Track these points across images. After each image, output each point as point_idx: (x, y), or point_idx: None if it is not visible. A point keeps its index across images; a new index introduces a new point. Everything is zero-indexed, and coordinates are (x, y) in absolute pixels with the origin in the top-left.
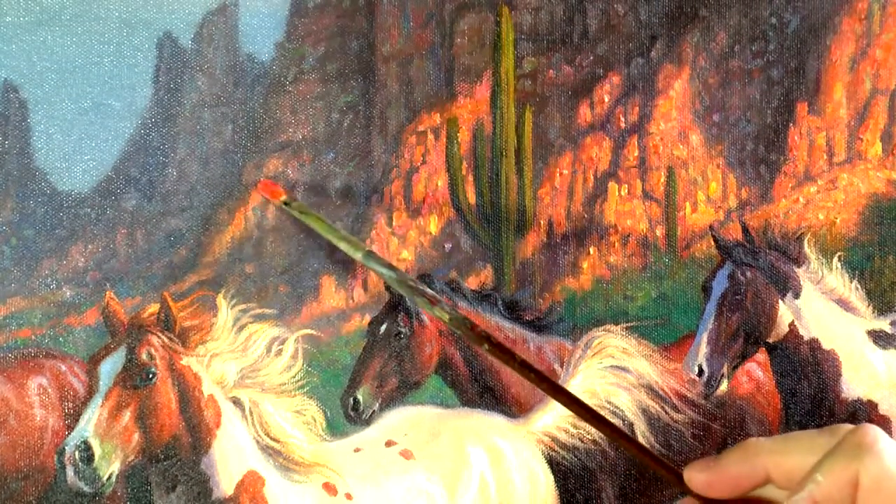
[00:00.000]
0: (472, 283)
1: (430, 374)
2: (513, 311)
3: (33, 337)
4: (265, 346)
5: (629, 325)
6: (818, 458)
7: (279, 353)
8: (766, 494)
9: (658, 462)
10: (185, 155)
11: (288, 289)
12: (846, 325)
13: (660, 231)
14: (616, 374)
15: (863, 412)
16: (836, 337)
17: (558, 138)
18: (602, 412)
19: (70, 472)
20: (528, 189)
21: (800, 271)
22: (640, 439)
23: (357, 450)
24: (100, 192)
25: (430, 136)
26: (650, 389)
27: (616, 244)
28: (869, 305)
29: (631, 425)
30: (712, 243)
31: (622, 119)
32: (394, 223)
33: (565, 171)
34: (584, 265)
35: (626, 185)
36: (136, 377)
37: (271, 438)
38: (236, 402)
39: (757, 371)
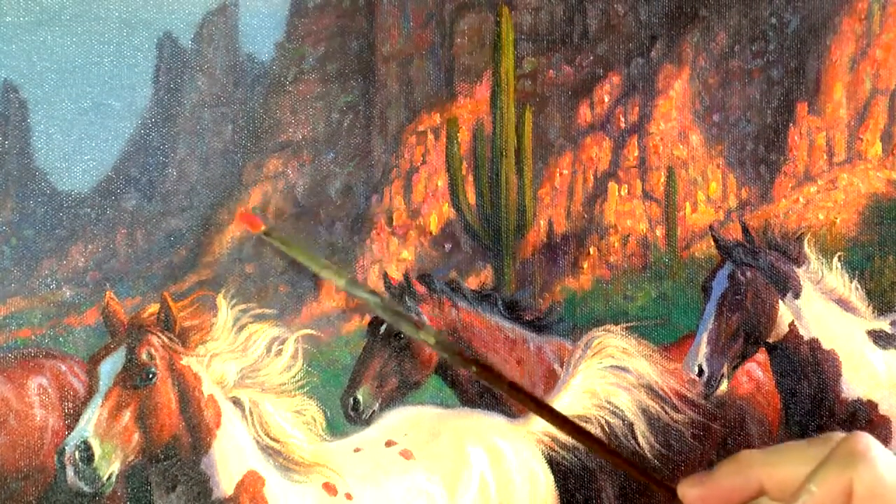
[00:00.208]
0: (472, 283)
1: (430, 374)
2: (513, 311)
3: (33, 337)
4: (265, 346)
5: (629, 325)
6: (811, 469)
7: (279, 353)
8: None
9: (652, 479)
10: (185, 155)
11: (288, 289)
12: (846, 325)
13: (660, 231)
14: (616, 374)
15: (863, 412)
16: (836, 337)
17: (558, 138)
18: (602, 412)
19: (70, 472)
20: (528, 189)
21: (800, 271)
22: (640, 439)
23: (357, 450)
24: (100, 192)
25: (430, 136)
26: (650, 389)
27: (616, 244)
28: (869, 305)
29: (631, 425)
30: (712, 243)
31: (622, 119)
32: (394, 223)
33: (565, 171)
34: (584, 265)
35: (626, 185)
36: (136, 377)
37: (271, 438)
38: (236, 402)
39: (757, 371)
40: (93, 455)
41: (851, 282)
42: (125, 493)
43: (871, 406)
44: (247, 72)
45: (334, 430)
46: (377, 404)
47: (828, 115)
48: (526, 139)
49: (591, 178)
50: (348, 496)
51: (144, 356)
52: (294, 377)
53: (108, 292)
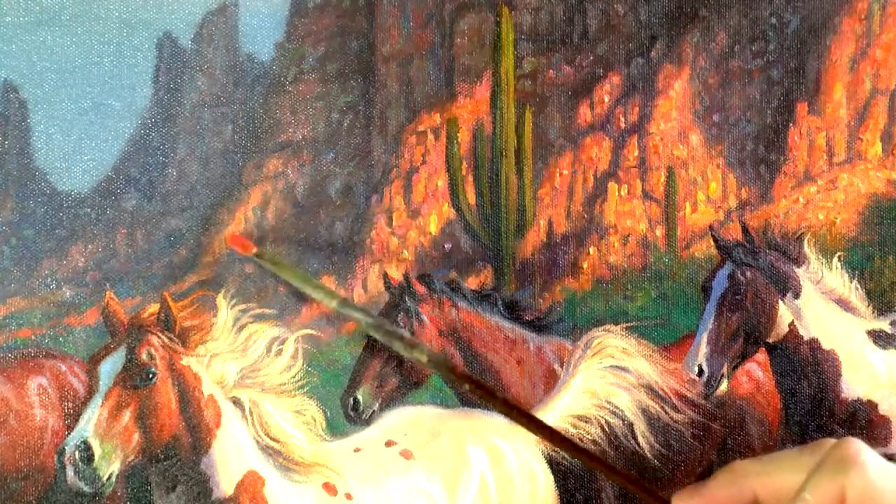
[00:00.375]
0: (472, 283)
1: (430, 375)
2: (513, 311)
3: (33, 337)
4: (265, 346)
5: (629, 325)
6: (804, 476)
7: (279, 353)
8: None
9: (647, 491)
10: (185, 155)
11: (288, 289)
12: (846, 325)
13: (660, 231)
14: (616, 374)
15: (863, 412)
16: (835, 337)
17: (558, 138)
18: (602, 412)
19: (70, 472)
20: (528, 189)
21: (800, 271)
22: (640, 439)
23: (357, 450)
24: (100, 192)
25: (430, 136)
26: (650, 389)
27: (616, 244)
28: (869, 305)
29: (631, 425)
30: (712, 243)
31: (622, 119)
32: (394, 223)
33: (565, 171)
34: (584, 265)
35: (626, 185)
36: (136, 377)
37: (271, 438)
38: (236, 402)
39: (757, 371)
40: (93, 455)
41: (851, 282)
42: (125, 493)
43: (871, 406)
44: (247, 72)
45: (334, 430)
46: (377, 404)
47: (828, 115)
48: (526, 139)
49: (591, 178)
50: (348, 496)
51: (144, 356)
52: (294, 377)
53: (108, 292)
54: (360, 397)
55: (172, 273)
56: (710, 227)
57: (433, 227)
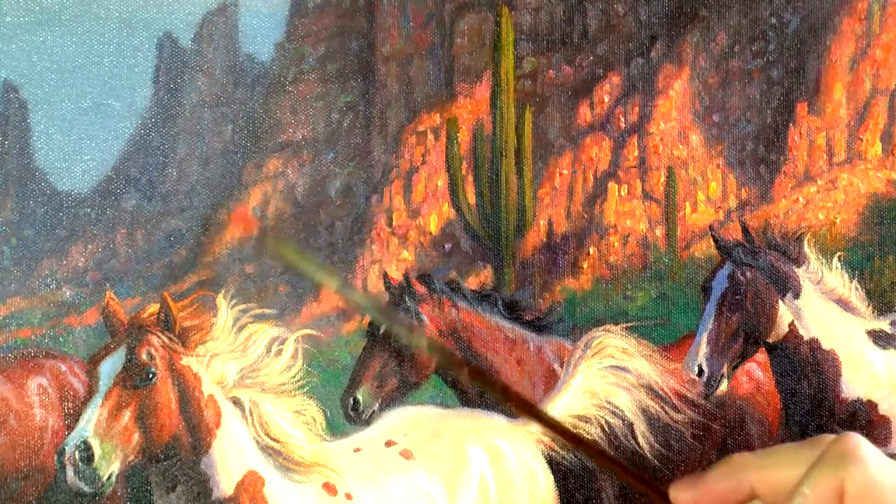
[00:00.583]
0: (472, 283)
1: (430, 374)
2: (513, 311)
3: (33, 337)
4: (265, 346)
5: (629, 325)
6: (803, 471)
7: (279, 353)
8: None
9: (644, 482)
10: (185, 155)
11: (288, 289)
12: (846, 325)
13: (660, 231)
14: (616, 374)
15: (863, 412)
16: (835, 337)
17: (558, 138)
18: (602, 412)
19: (70, 472)
20: (528, 189)
21: (800, 271)
22: (640, 439)
23: (357, 450)
24: (100, 192)
25: (430, 136)
26: (650, 389)
27: (616, 244)
28: (869, 305)
29: (631, 425)
30: (712, 243)
31: (622, 119)
32: (394, 223)
33: (565, 171)
34: (584, 265)
35: (626, 185)
36: (136, 377)
37: (271, 438)
38: (236, 402)
39: (757, 371)
40: (93, 455)
41: (851, 282)
42: (125, 493)
43: (871, 406)
44: (247, 72)
45: (334, 430)
46: (377, 404)
47: (828, 115)
48: (526, 139)
49: (591, 178)
50: (348, 496)
51: (144, 356)
52: (294, 377)
53: (108, 292)
54: (360, 397)
55: (172, 273)
56: (710, 227)
57: (433, 227)
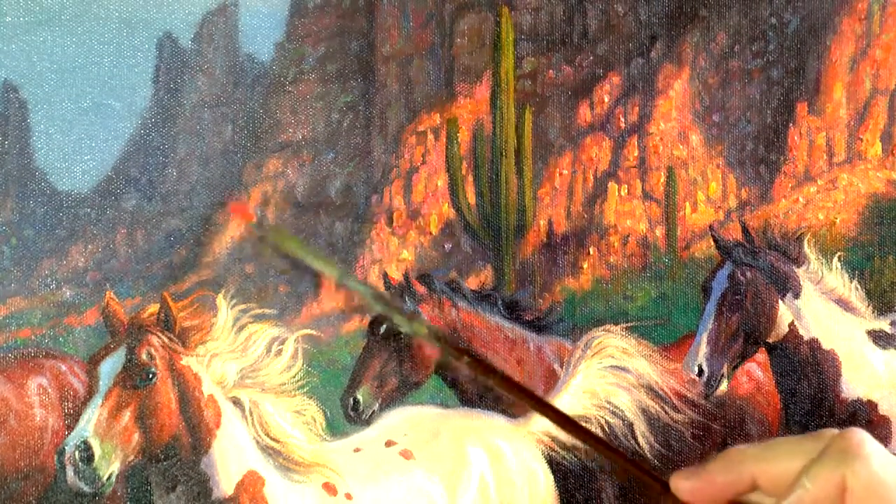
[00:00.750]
0: (472, 283)
1: (430, 374)
2: (513, 311)
3: (33, 337)
4: (265, 346)
5: (629, 325)
6: (804, 464)
7: (279, 353)
8: (753, 501)
9: (644, 471)
10: (185, 155)
11: (288, 289)
12: (846, 325)
13: (660, 231)
14: (616, 374)
15: (863, 412)
16: (835, 337)
17: (558, 138)
18: (602, 412)
19: (70, 472)
20: (528, 189)
21: (800, 271)
22: (640, 439)
23: (357, 450)
24: (100, 192)
25: (430, 136)
26: (650, 389)
27: (616, 244)
28: (869, 305)
29: (631, 425)
30: (712, 243)
31: (622, 119)
32: (394, 223)
33: (565, 172)
34: (584, 265)
35: (626, 185)
36: (136, 377)
37: (271, 438)
38: (236, 402)
39: (757, 371)
40: (93, 455)
41: (851, 282)
42: (125, 493)
43: (871, 406)
44: (247, 72)
45: (334, 430)
46: (377, 404)
47: (828, 115)
48: (526, 139)
49: (591, 178)
50: (348, 496)
51: (144, 356)
52: (294, 377)
53: (108, 292)
54: (360, 397)
55: (172, 273)
56: (710, 227)
57: (433, 227)
